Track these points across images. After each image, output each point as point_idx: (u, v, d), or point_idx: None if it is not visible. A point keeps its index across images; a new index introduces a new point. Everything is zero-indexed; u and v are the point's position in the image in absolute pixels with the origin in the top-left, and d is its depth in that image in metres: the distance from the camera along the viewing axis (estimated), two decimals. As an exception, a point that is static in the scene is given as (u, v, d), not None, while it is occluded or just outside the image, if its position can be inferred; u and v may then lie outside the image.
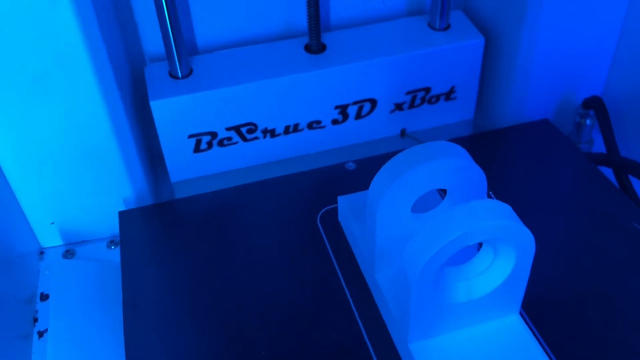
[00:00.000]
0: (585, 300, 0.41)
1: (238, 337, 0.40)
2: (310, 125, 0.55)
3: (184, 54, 0.51)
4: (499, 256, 0.34)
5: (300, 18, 0.55)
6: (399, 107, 0.56)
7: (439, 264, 0.32)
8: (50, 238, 0.52)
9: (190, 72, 0.52)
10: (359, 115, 0.56)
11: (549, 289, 0.42)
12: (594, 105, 0.54)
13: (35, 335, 0.45)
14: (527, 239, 0.33)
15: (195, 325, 0.41)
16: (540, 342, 0.38)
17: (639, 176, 0.49)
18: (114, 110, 0.47)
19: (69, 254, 0.51)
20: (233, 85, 0.51)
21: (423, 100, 0.57)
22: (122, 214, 0.49)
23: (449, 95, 0.57)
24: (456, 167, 0.35)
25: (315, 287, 0.43)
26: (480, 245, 0.35)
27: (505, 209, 0.32)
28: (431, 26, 0.56)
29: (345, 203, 0.45)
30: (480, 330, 0.36)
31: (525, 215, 0.45)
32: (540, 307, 0.40)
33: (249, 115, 0.53)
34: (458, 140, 0.55)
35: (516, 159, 0.54)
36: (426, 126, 0.59)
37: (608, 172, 0.53)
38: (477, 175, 0.36)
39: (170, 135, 0.51)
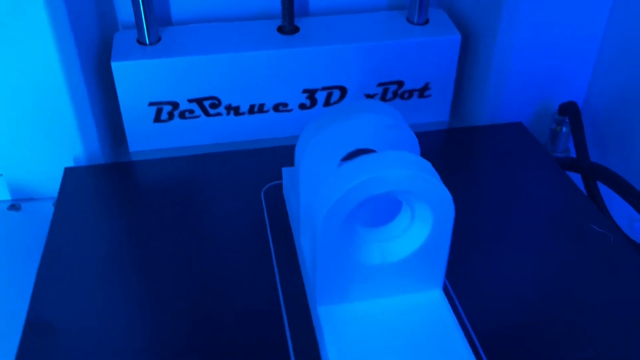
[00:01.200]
0: (526, 298, 0.39)
1: (153, 297, 0.38)
2: (276, 108, 0.54)
3: (153, 22, 0.51)
4: (416, 218, 0.32)
5: (277, 2, 0.55)
6: (370, 98, 0.55)
7: (345, 212, 0.30)
8: (-3, 192, 0.51)
9: (159, 40, 0.52)
10: (327, 103, 0.55)
11: (494, 284, 0.39)
12: (569, 110, 0.52)
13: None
14: (444, 199, 0.31)
15: (114, 286, 0.40)
16: (468, 330, 0.36)
17: (605, 182, 0.47)
18: (70, 68, 0.47)
19: (14, 208, 0.50)
20: (197, 55, 0.50)
21: (395, 94, 0.56)
22: (67, 170, 0.48)
23: (422, 91, 0.56)
24: (385, 125, 0.34)
25: (242, 254, 0.41)
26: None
27: (423, 163, 0.30)
28: (409, 20, 0.55)
29: (288, 174, 0.44)
30: (399, 302, 0.34)
31: (485, 213, 0.43)
32: (479, 298, 0.38)
33: (212, 88, 0.52)
34: (428, 135, 0.53)
35: (484, 157, 0.52)
36: (398, 123, 0.57)
37: (578, 179, 0.51)
38: (408, 138, 0.35)
39: (131, 100, 0.51)
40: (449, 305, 0.34)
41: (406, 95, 0.56)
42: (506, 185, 0.48)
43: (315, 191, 0.36)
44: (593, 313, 0.38)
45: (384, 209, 0.33)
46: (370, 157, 0.30)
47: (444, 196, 0.30)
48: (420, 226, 0.32)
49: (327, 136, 0.34)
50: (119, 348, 0.35)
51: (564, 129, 0.54)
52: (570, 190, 0.47)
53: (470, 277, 0.40)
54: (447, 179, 0.49)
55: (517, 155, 0.51)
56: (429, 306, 0.34)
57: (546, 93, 0.56)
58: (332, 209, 0.29)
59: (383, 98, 0.56)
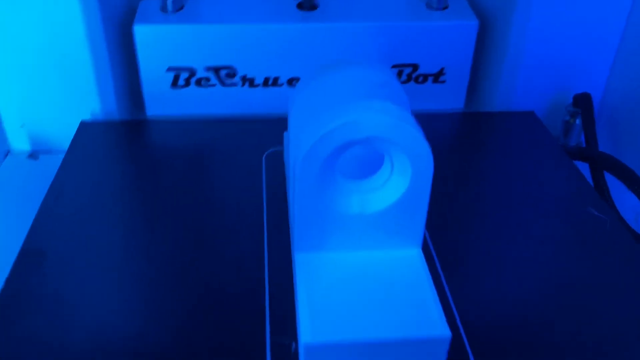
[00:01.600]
0: (516, 278, 0.38)
1: (146, 241, 0.40)
2: (290, 82, 0.55)
3: (177, -10, 0.53)
4: (395, 171, 0.32)
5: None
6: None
7: (323, 156, 0.30)
8: (19, 141, 0.53)
9: (181, 8, 0.54)
10: (341, 81, 0.55)
11: (486, 263, 0.39)
12: (582, 100, 0.51)
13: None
14: (423, 152, 0.31)
15: (111, 226, 0.41)
16: (447, 297, 0.36)
17: (612, 171, 0.46)
18: (92, 27, 0.49)
19: (32, 157, 0.52)
20: (216, 24, 0.52)
21: (410, 77, 0.56)
22: (83, 124, 0.50)
23: (437, 76, 0.56)
24: (376, 82, 0.34)
25: (236, 209, 0.42)
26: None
27: (404, 114, 0.31)
28: (429, 5, 0.56)
29: (288, 138, 0.45)
30: (376, 257, 0.34)
31: (488, 197, 0.43)
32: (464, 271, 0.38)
33: (229, 58, 0.53)
34: (437, 117, 0.54)
35: (491, 143, 0.52)
36: (412, 108, 0.58)
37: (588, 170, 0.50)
38: (399, 96, 0.35)
39: (150, 64, 0.53)
40: (425, 264, 0.34)
41: (420, 79, 0.56)
42: (511, 171, 0.48)
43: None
44: (586, 300, 0.37)
45: (367, 163, 0.34)
46: (351, 103, 0.30)
47: (423, 148, 0.31)
48: (399, 179, 0.32)
49: (316, 93, 0.34)
50: (108, 278, 0.37)
51: (577, 121, 0.53)
52: (576, 180, 0.46)
53: (463, 256, 0.40)
54: (453, 161, 0.49)
55: (526, 143, 0.51)
56: (405, 264, 0.34)
57: (563, 84, 0.55)
58: (309, 151, 0.30)
59: (397, 80, 0.56)
